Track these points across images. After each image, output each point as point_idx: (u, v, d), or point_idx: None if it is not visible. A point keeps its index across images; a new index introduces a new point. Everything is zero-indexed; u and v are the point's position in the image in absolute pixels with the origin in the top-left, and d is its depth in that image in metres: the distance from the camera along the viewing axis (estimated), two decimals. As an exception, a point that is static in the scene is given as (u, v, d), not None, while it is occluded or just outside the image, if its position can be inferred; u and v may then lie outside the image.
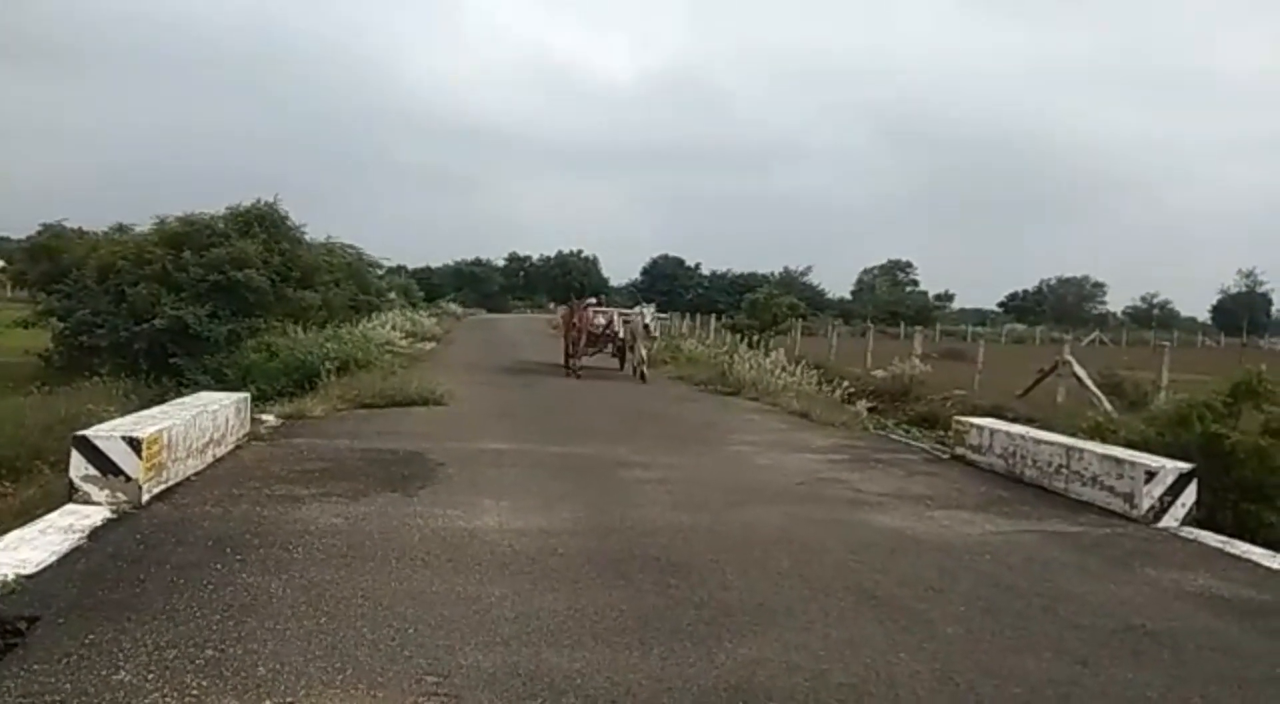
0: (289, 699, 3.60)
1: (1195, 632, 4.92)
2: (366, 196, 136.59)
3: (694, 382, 19.47)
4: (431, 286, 70.04)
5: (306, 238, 24.72)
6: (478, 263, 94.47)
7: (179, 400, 9.18)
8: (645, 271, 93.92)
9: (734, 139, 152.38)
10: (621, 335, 20.07)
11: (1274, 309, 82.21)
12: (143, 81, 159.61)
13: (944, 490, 8.68)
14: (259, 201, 23.37)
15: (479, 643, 4.27)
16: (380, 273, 34.73)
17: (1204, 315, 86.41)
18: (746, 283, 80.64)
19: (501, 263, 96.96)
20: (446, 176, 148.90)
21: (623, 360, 20.75)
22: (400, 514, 6.69)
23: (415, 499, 7.23)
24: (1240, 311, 76.88)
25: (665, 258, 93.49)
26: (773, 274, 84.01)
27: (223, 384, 15.47)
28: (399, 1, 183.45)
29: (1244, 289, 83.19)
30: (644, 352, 19.33)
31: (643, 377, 18.87)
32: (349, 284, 26.91)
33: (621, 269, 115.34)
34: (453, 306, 58.60)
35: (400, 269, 61.61)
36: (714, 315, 40.75)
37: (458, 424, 11.70)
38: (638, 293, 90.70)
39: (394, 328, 26.78)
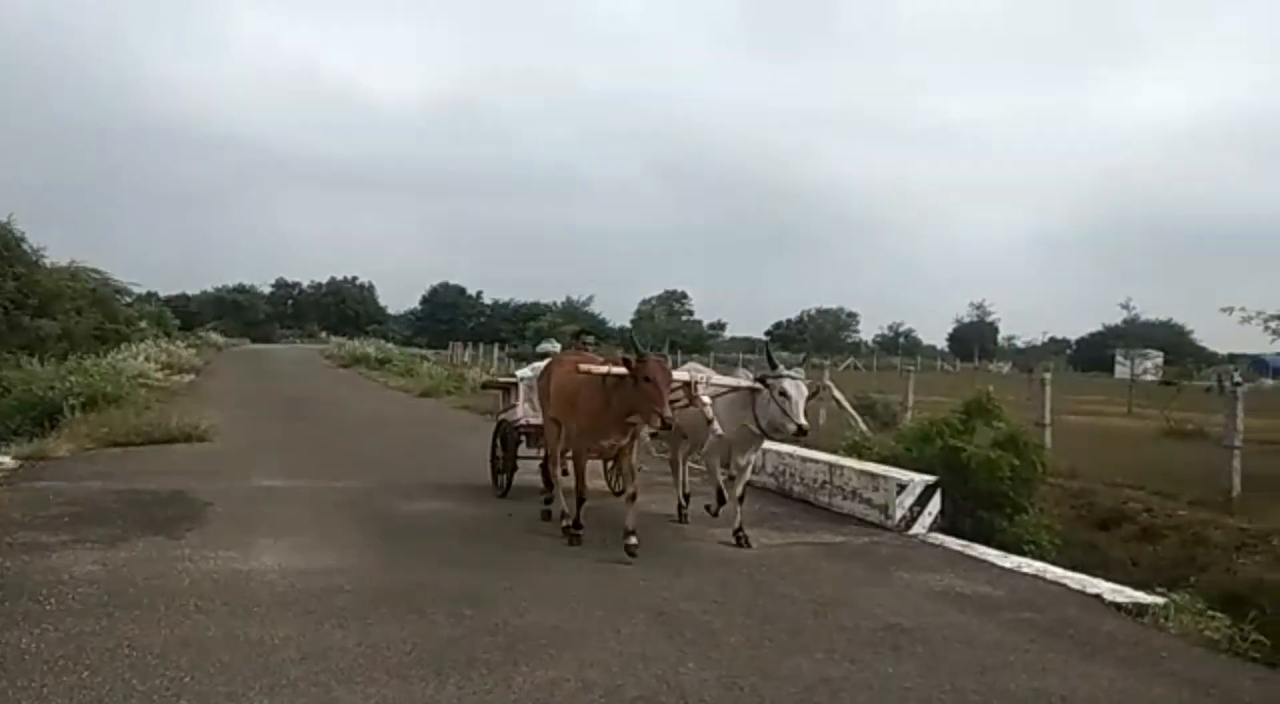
0: (50, 763, 3.30)
1: (943, 626, 5.51)
2: (114, 217, 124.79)
3: (480, 411, 19.31)
4: (189, 314, 65.14)
5: (46, 261, 22.40)
6: (241, 289, 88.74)
7: (-110, 442, 8.07)
8: (425, 300, 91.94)
9: (515, 168, 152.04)
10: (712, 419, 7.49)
11: (1000, 337, 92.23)
12: None
13: (723, 509, 9.11)
14: (-12, 220, 20.95)
15: (264, 687, 4.08)
16: (129, 300, 31.96)
17: (942, 343, 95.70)
18: (529, 312, 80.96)
19: (268, 289, 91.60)
20: (206, 197, 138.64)
21: (618, 472, 9.30)
22: (166, 558, 6.23)
23: (182, 541, 6.75)
24: (972, 339, 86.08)
25: (446, 286, 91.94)
26: (555, 303, 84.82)
27: (-58, 424, 13.65)
28: (141, 7, 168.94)
29: (975, 319, 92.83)
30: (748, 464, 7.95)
31: (741, 539, 7.49)
32: (93, 312, 24.56)
33: (399, 297, 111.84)
34: (213, 336, 54.63)
35: (151, 296, 56.82)
36: (497, 344, 40.69)
37: (225, 461, 11.00)
38: (416, 321, 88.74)
39: (147, 359, 24.68)
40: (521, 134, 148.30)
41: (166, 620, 4.91)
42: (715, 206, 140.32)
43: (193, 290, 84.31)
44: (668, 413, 6.61)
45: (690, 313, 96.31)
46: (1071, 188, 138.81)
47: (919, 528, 8.20)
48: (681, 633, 5.12)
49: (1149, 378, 40.19)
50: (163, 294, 68.35)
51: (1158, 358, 55.40)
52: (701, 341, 78.61)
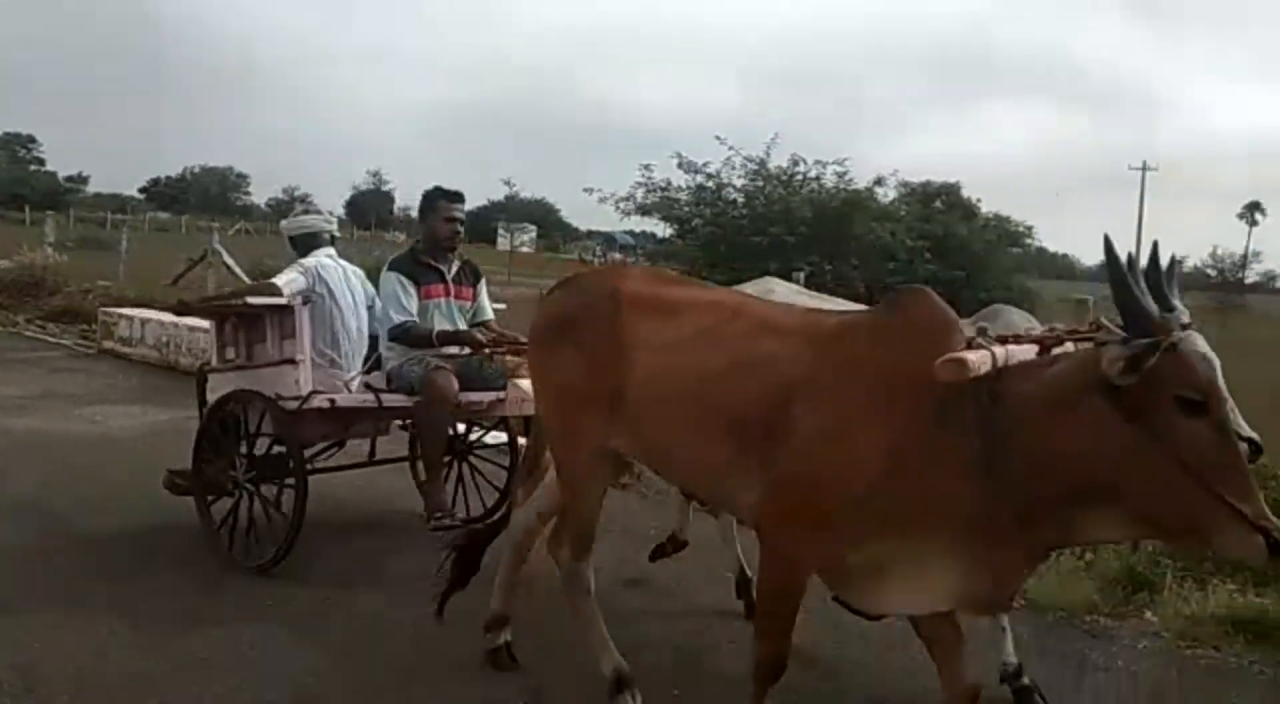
0: None
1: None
2: None
3: None
4: None
5: None
6: None
7: None
8: None
9: None
10: None
11: (396, 207, 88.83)
12: None
13: (95, 386, 8.28)
14: None
15: None
16: None
17: (339, 209, 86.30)
18: None
19: None
20: None
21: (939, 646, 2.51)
22: None
23: None
24: (369, 207, 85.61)
25: None
26: None
27: None
28: None
29: (372, 188, 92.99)
30: None
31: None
32: None
33: None
34: None
35: None
36: None
37: None
38: None
39: None
40: None
41: None
42: (71, 39, 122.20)
43: None
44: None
45: (42, 162, 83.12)
46: (470, 71, 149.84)
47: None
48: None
49: (525, 249, 46.10)
50: None
51: (533, 232, 61.26)
52: (58, 196, 66.07)
